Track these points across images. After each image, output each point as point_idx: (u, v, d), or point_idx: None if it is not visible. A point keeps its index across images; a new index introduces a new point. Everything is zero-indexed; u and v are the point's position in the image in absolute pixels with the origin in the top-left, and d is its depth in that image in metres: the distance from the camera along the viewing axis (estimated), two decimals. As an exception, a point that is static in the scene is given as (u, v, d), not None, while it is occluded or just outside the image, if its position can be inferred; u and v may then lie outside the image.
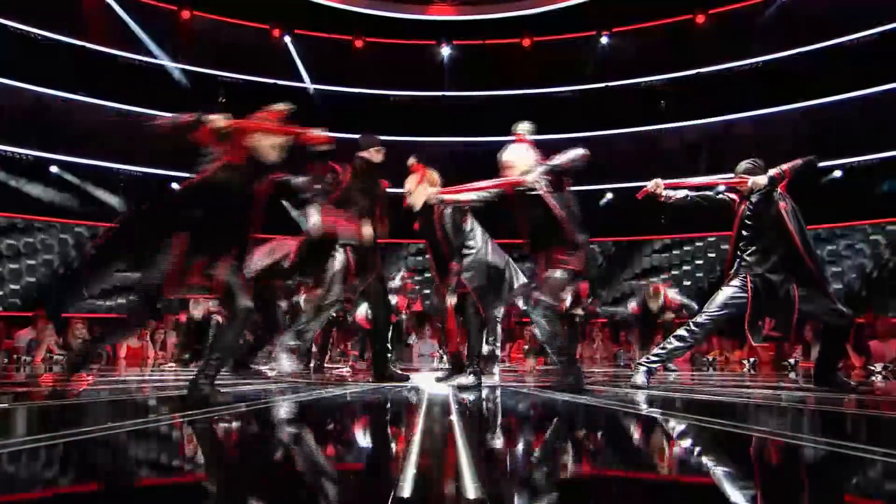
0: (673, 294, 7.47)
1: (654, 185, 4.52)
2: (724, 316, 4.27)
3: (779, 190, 4.28)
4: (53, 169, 11.93)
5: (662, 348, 4.41)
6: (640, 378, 4.29)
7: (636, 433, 2.63)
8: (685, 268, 13.03)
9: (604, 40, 13.59)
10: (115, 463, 1.95)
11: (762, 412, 3.27)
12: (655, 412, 3.20)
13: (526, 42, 13.87)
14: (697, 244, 12.94)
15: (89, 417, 3.01)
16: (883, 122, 11.42)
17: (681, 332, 4.37)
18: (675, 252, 13.18)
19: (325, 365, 7.74)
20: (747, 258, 4.30)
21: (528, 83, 13.91)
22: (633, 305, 7.42)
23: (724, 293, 4.31)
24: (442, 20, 14.01)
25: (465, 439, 2.22)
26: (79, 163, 12.10)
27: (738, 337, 8.81)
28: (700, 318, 4.32)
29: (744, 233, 4.34)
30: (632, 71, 13.59)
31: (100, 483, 1.69)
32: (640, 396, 3.87)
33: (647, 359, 4.42)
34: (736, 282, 4.30)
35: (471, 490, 1.48)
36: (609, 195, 13.35)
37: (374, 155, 4.96)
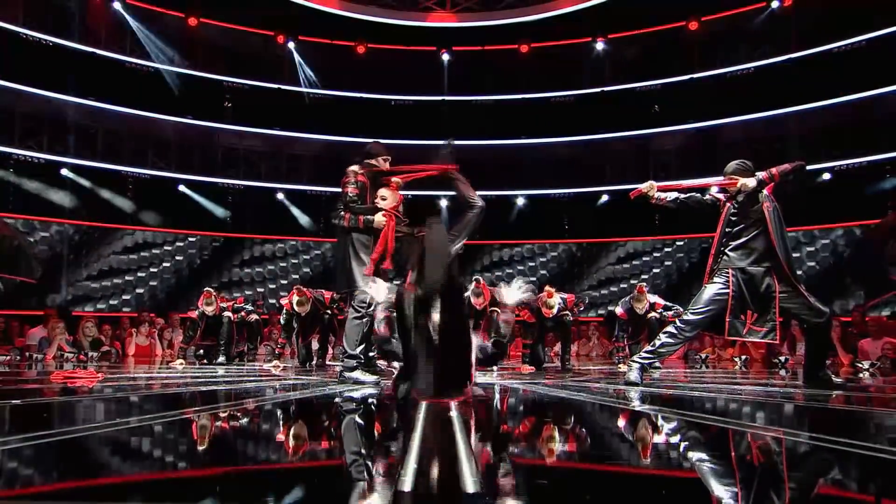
0: (656, 297, 7.51)
1: (648, 186, 4.56)
2: (711, 312, 4.29)
3: (765, 192, 4.32)
4: (64, 171, 11.95)
5: (653, 346, 4.42)
6: (633, 375, 4.30)
7: (631, 429, 2.65)
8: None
9: (599, 46, 13.60)
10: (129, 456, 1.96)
11: (750, 408, 3.28)
12: (649, 409, 3.22)
13: (524, 48, 13.87)
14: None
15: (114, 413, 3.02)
16: (871, 126, 11.45)
17: (670, 329, 4.40)
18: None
19: (328, 362, 7.77)
20: (729, 253, 4.34)
21: (526, 88, 13.93)
22: (619, 310, 7.43)
23: (709, 290, 4.34)
24: (442, 27, 14.01)
25: (463, 435, 2.24)
26: (88, 165, 12.13)
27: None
28: (687, 316, 4.35)
29: (727, 230, 4.39)
30: (626, 76, 13.61)
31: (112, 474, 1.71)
32: (634, 393, 3.88)
33: (640, 356, 4.44)
34: (719, 278, 4.33)
35: (469, 484, 1.49)
36: (605, 197, 13.38)
37: (383, 164, 4.95)
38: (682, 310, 8.49)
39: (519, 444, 2.30)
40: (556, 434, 2.54)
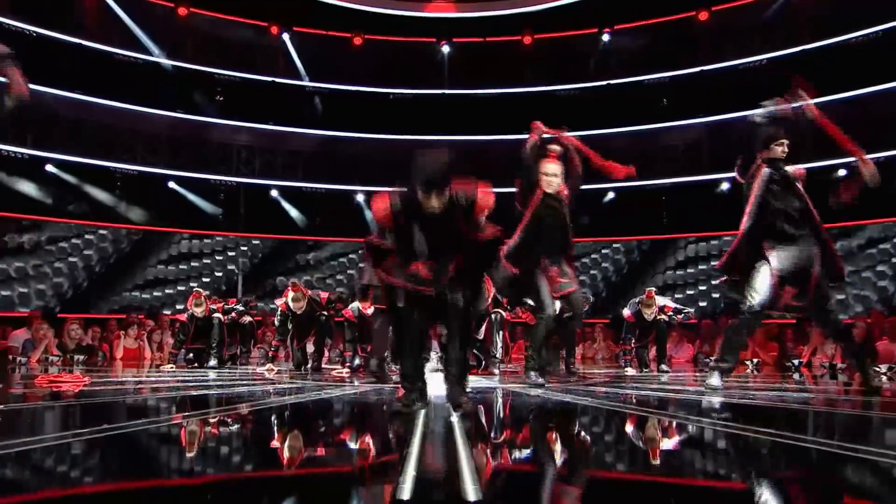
0: (666, 300, 7.51)
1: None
2: (771, 290, 4.13)
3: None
4: (49, 167, 11.95)
5: (726, 343, 4.36)
6: (714, 381, 4.25)
7: (634, 433, 2.64)
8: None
9: (605, 37, 13.59)
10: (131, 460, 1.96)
11: (754, 412, 3.27)
12: (652, 412, 3.21)
13: (527, 39, 13.86)
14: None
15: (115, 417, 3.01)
16: (885, 121, 11.42)
17: (738, 322, 4.30)
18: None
19: (324, 366, 7.76)
20: (776, 227, 4.20)
21: (529, 81, 13.92)
22: (626, 312, 7.43)
23: (760, 271, 4.18)
24: (442, 17, 14.00)
25: (464, 440, 2.23)
26: (75, 161, 12.13)
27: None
28: (752, 302, 4.18)
29: (771, 201, 4.23)
30: (633, 68, 13.59)
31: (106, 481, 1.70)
32: (636, 397, 3.88)
33: (717, 358, 4.38)
34: (763, 255, 4.19)
35: (470, 492, 1.48)
36: (611, 194, 13.37)
37: None
38: (692, 312, 8.50)
39: (521, 450, 2.29)
40: (560, 441, 2.53)
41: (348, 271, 13.78)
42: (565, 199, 5.07)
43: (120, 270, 12.57)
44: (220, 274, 13.29)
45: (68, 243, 12.13)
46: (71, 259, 12.11)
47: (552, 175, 4.94)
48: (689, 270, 13.09)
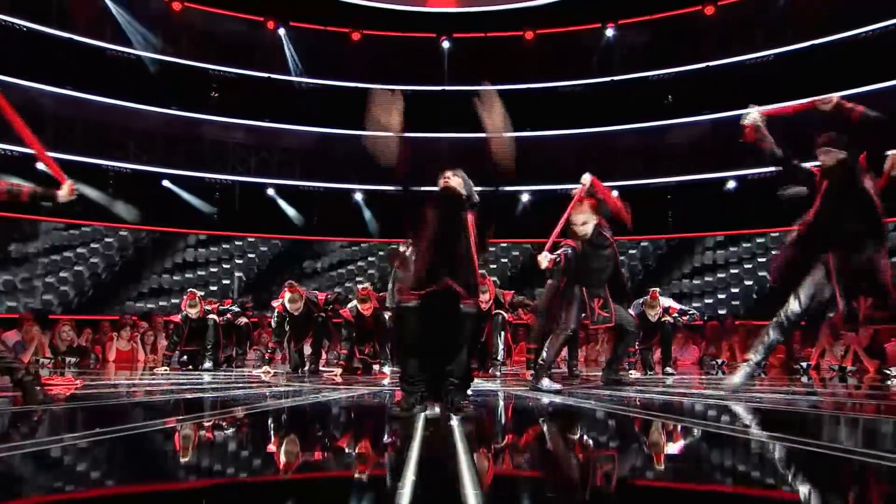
0: (671, 301, 7.50)
1: (754, 117, 4.44)
2: (815, 301, 4.14)
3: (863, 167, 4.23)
4: (40, 165, 11.94)
5: (762, 343, 4.33)
6: (737, 379, 4.24)
7: (637, 437, 2.63)
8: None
9: (609, 33, 13.58)
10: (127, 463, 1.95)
11: (754, 415, 3.28)
12: (655, 417, 3.21)
13: (528, 35, 13.86)
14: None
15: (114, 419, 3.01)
16: (893, 118, 11.39)
17: (776, 321, 4.28)
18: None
19: (321, 368, 7.75)
20: (826, 236, 4.17)
21: (531, 77, 13.90)
22: (630, 313, 7.43)
23: (810, 279, 4.17)
24: (442, 12, 14.00)
25: (464, 444, 2.23)
26: (66, 159, 12.11)
27: (749, 339, 8.83)
28: (793, 307, 4.18)
29: (825, 207, 4.20)
30: (637, 64, 13.58)
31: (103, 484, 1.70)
32: (640, 400, 3.87)
33: (753, 357, 4.34)
34: (817, 265, 4.18)
35: (471, 497, 1.48)
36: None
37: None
38: (697, 314, 8.50)
39: (522, 454, 2.29)
40: (562, 444, 2.53)
41: (348, 267, 13.81)
42: (609, 239, 5.14)
43: (114, 270, 12.55)
44: (214, 270, 13.26)
45: (67, 234, 12.15)
46: (65, 254, 12.11)
47: (582, 224, 5.04)
48: (694, 268, 13.06)
